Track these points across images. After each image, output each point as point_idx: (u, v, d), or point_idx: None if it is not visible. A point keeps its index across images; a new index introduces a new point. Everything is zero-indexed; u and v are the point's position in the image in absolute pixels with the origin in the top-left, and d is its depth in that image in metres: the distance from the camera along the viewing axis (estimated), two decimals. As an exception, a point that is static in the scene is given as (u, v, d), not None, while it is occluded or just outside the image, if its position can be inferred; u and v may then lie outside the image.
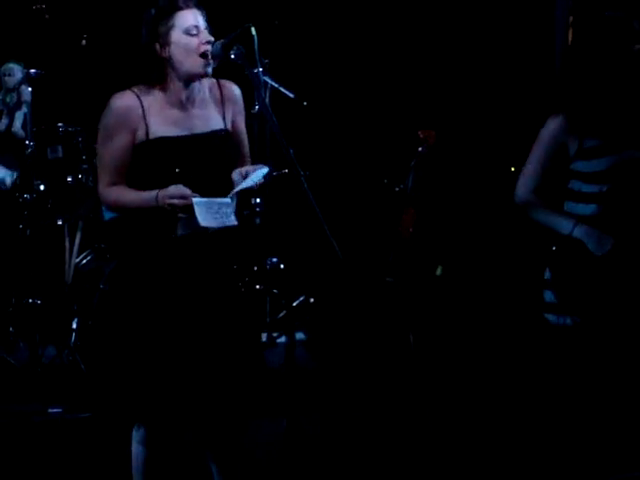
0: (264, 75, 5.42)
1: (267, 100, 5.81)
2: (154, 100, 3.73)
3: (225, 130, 3.80)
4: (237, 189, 3.68)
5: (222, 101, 3.83)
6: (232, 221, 3.66)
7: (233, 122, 3.85)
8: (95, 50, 6.69)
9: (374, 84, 7.05)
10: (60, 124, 5.96)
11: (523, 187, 4.00)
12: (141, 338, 3.71)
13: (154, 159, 3.71)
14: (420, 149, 6.04)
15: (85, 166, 5.89)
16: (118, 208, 3.85)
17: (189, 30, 3.70)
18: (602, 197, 3.90)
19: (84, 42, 6.51)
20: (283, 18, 6.40)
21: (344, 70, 7.07)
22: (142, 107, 3.70)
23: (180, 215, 3.64)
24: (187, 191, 3.62)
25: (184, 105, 3.75)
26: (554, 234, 3.98)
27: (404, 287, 5.91)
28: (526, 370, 5.58)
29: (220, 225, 3.65)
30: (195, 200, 3.61)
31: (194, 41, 3.69)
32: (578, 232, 3.90)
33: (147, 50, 3.73)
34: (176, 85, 3.74)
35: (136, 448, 3.86)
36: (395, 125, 6.90)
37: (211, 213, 3.63)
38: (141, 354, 3.71)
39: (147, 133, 3.70)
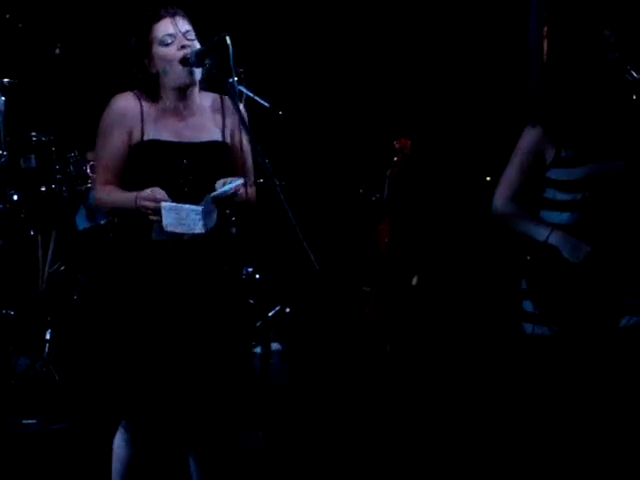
0: (239, 84, 5.39)
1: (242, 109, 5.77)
2: (152, 105, 3.76)
3: (222, 143, 3.81)
4: (210, 195, 3.67)
5: (223, 115, 3.84)
6: (199, 228, 3.65)
7: (233, 137, 3.85)
8: (69, 58, 6.65)
9: (350, 94, 7.04)
10: (33, 133, 5.91)
11: (501, 196, 4.01)
12: (119, 345, 3.70)
13: (146, 161, 3.72)
14: (395, 159, 6.04)
15: (59, 176, 5.84)
16: (105, 207, 3.87)
17: (164, 41, 3.73)
18: (576, 205, 3.92)
19: (58, 50, 6.46)
20: (258, 27, 6.39)
21: (320, 79, 7.06)
22: (141, 108, 3.74)
23: (152, 218, 3.64)
24: (160, 195, 3.63)
25: (181, 114, 3.78)
26: (530, 242, 3.98)
27: (380, 297, 5.90)
28: (504, 378, 5.58)
29: (186, 231, 3.64)
30: (163, 204, 3.61)
31: (171, 50, 3.72)
32: (553, 239, 3.92)
33: (139, 66, 3.77)
34: (171, 96, 3.77)
35: (119, 450, 3.83)
36: (371, 135, 6.90)
37: (178, 218, 3.62)
38: (121, 361, 3.70)
39: (142, 134, 3.72)
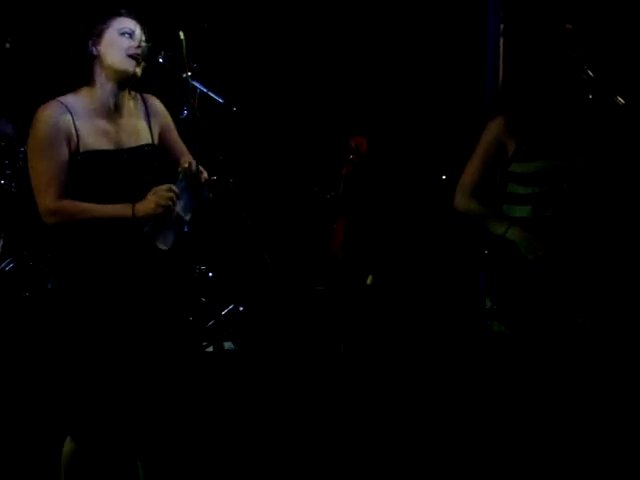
0: (193, 80, 5.33)
1: (196, 105, 5.73)
2: (82, 109, 3.65)
3: (152, 145, 3.75)
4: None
5: (147, 115, 3.79)
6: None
7: (161, 135, 3.81)
8: (20, 53, 6.56)
9: (306, 91, 7.01)
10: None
11: (462, 189, 4.01)
12: (68, 351, 3.65)
13: (84, 173, 3.62)
14: (351, 157, 6.02)
15: (8, 171, 5.75)
16: (78, 221, 3.69)
17: (123, 31, 3.68)
18: (536, 199, 3.92)
19: (8, 45, 6.37)
20: (213, 22, 6.34)
21: (275, 76, 7.02)
22: (71, 115, 3.62)
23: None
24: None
25: (112, 115, 3.69)
26: (488, 236, 3.99)
27: (335, 296, 5.88)
28: (460, 377, 5.58)
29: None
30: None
31: (126, 42, 3.67)
32: (511, 234, 3.92)
33: (78, 46, 3.68)
34: (104, 90, 3.68)
35: (66, 455, 3.78)
36: (326, 132, 6.87)
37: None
38: (69, 371, 3.65)
39: (78, 145, 3.61)
